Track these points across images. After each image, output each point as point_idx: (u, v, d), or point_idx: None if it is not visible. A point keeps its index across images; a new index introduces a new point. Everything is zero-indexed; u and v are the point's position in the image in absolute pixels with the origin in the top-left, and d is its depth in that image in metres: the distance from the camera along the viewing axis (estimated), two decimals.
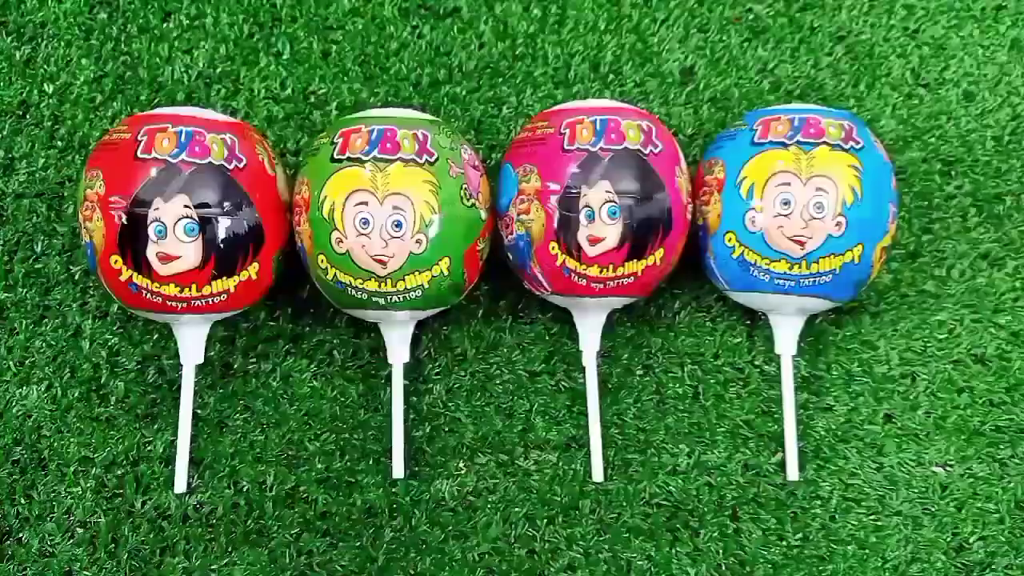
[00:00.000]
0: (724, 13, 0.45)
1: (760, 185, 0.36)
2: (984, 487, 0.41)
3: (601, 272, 0.35)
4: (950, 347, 0.42)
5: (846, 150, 0.36)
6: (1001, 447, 0.41)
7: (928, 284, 0.42)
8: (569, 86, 0.44)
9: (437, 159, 0.35)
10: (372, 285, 0.35)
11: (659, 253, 0.36)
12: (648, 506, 0.41)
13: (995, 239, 0.43)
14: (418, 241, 0.34)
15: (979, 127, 0.44)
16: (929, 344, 0.42)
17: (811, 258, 0.35)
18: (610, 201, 0.34)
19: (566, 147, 0.34)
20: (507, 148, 0.39)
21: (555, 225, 0.35)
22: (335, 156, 0.35)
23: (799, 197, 0.35)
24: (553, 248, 0.35)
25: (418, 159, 0.34)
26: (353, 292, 0.35)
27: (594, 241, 0.34)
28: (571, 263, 0.35)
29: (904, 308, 0.42)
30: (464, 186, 0.35)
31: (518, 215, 0.36)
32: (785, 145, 0.36)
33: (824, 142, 0.36)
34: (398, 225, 0.34)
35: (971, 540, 0.40)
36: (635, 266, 0.35)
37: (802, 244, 0.35)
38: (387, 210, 0.34)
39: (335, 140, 0.35)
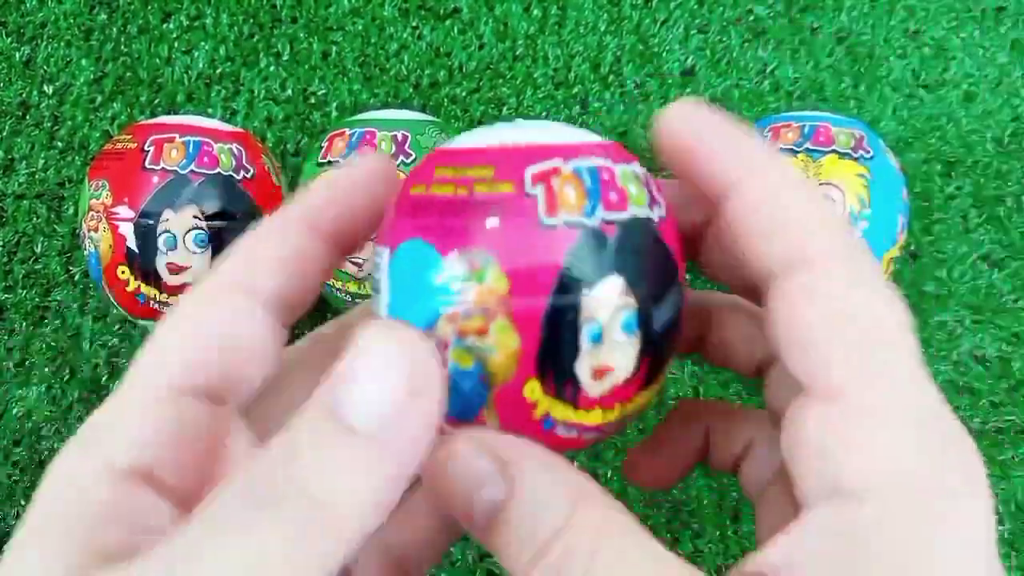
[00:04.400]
0: (725, 14, 0.45)
1: None
2: None
3: (604, 416, 0.19)
4: (951, 348, 0.42)
5: (855, 159, 0.36)
6: (1002, 448, 0.41)
7: (929, 285, 0.42)
8: (570, 87, 0.44)
9: (414, 160, 0.35)
10: (353, 287, 0.35)
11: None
12: (648, 507, 0.41)
13: (996, 240, 0.43)
14: None
15: (980, 128, 0.44)
16: (930, 345, 0.42)
17: None
18: (626, 307, 0.19)
19: (545, 220, 0.18)
20: (393, 213, 0.19)
21: (537, 351, 0.18)
22: (319, 160, 0.35)
23: None
24: (532, 391, 0.19)
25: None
26: (337, 294, 0.36)
27: (600, 374, 0.19)
28: (560, 411, 0.19)
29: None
30: None
31: (461, 337, 0.18)
32: (794, 152, 0.36)
33: (833, 150, 0.36)
34: None
35: None
36: (647, 395, 0.20)
37: None
38: None
39: (322, 144, 0.35)
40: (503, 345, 0.19)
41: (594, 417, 0.19)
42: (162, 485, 0.16)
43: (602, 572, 0.15)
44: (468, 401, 0.20)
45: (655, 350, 0.19)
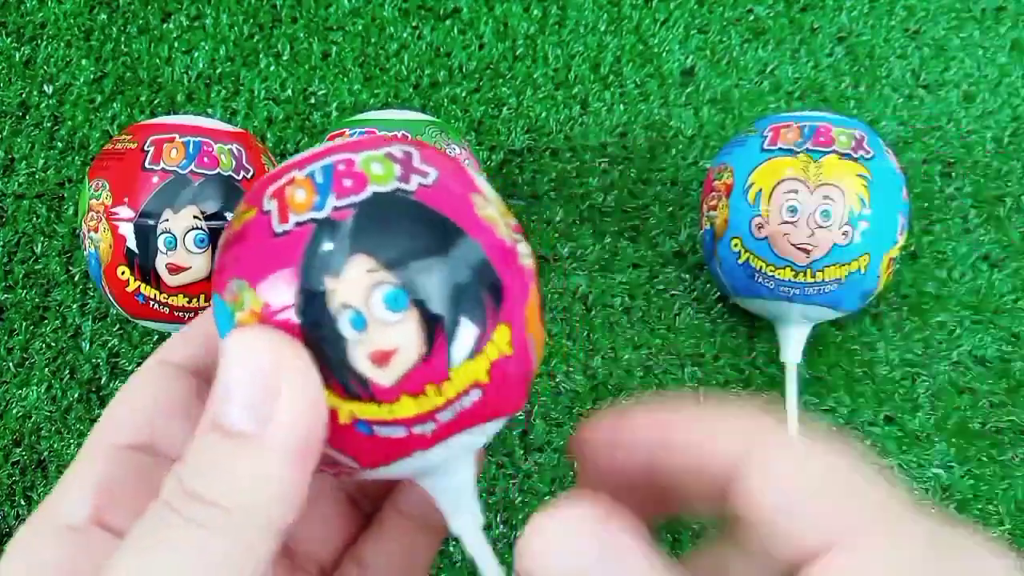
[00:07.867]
0: (725, 14, 0.45)
1: (767, 192, 0.36)
2: (985, 488, 0.41)
3: (422, 404, 0.18)
4: (951, 348, 0.42)
5: (855, 159, 0.36)
6: (1002, 448, 0.41)
7: (928, 286, 0.42)
8: (569, 87, 0.44)
9: None
10: None
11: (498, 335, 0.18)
12: None
13: (995, 240, 0.43)
14: None
15: (979, 128, 0.44)
16: (930, 346, 0.42)
17: (816, 267, 0.35)
18: (382, 283, 0.17)
19: (277, 229, 0.18)
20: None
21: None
22: None
23: (806, 205, 0.35)
24: (328, 399, 0.17)
25: None
26: None
27: (382, 359, 0.18)
28: (366, 411, 0.18)
29: (905, 309, 0.42)
30: None
31: None
32: (794, 152, 0.36)
33: (834, 151, 0.36)
34: None
35: None
36: (470, 371, 0.18)
37: (807, 252, 0.35)
38: None
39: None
40: None
41: (407, 408, 0.18)
42: (116, 528, 0.18)
43: None
44: None
45: (445, 319, 0.18)
